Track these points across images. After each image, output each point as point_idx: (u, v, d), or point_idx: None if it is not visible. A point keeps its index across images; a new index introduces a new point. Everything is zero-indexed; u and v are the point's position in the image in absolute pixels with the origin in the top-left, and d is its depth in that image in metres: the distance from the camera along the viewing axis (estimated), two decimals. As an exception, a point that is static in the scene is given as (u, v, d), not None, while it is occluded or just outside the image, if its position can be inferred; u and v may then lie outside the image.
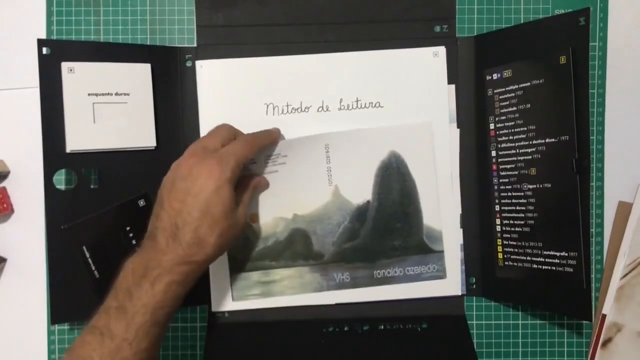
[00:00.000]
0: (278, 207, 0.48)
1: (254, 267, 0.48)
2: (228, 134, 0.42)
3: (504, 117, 0.46)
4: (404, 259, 0.48)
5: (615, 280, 0.48)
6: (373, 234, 0.48)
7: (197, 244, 0.38)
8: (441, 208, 0.48)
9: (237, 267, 0.48)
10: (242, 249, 0.48)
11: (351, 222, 0.48)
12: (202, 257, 0.38)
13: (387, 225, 0.48)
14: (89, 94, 0.44)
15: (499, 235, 0.47)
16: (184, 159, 0.40)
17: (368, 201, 0.48)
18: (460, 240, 0.49)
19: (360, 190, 0.48)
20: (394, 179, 0.48)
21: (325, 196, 0.48)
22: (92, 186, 0.45)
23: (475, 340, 0.48)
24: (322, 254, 0.48)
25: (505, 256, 0.47)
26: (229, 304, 0.48)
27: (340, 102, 0.48)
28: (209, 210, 0.38)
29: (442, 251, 0.48)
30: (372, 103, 0.48)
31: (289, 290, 0.48)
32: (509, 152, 0.46)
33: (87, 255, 0.44)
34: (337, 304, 0.48)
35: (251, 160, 0.45)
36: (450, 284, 0.48)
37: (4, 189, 0.48)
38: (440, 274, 0.48)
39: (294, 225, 0.48)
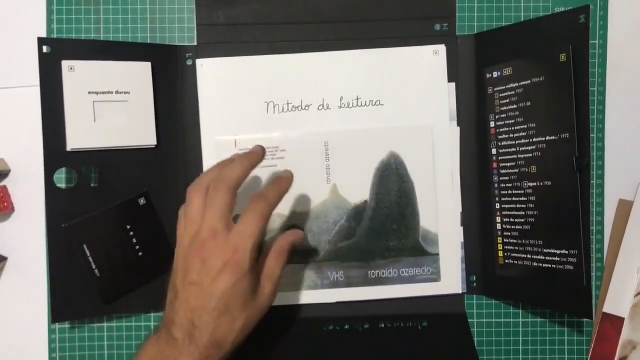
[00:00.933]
0: None
1: None
2: (231, 198, 0.36)
3: (504, 115, 0.46)
4: (399, 260, 0.48)
5: (616, 279, 0.48)
6: (369, 234, 0.48)
7: (216, 346, 0.35)
8: (440, 208, 0.48)
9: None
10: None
11: (348, 221, 0.48)
12: (222, 355, 0.36)
13: (383, 226, 0.48)
14: (89, 93, 0.44)
15: (499, 233, 0.47)
16: (193, 249, 0.36)
17: (366, 201, 0.48)
18: (461, 238, 0.49)
19: (358, 189, 0.48)
20: (393, 180, 0.48)
21: (323, 194, 0.48)
22: (92, 185, 0.45)
23: (476, 339, 0.48)
24: (317, 252, 0.48)
25: (506, 254, 0.47)
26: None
27: (341, 101, 0.48)
28: (227, 309, 0.35)
29: (438, 254, 0.48)
30: (372, 101, 0.48)
31: (282, 287, 0.48)
32: (510, 150, 0.46)
33: (88, 253, 0.45)
34: (337, 303, 0.48)
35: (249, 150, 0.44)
36: (446, 287, 0.48)
37: (5, 187, 0.48)
38: (435, 277, 0.48)
39: (290, 222, 0.48)
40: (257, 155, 0.40)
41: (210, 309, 0.35)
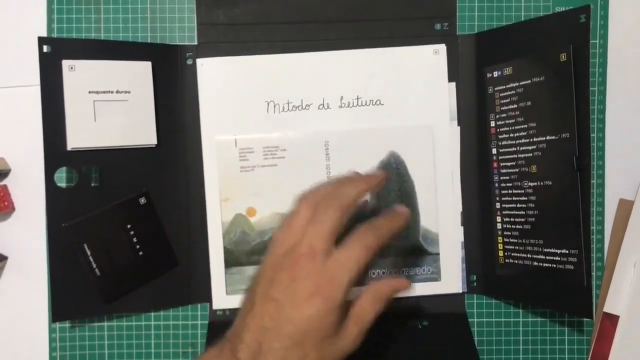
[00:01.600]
0: (276, 201, 0.48)
1: (250, 261, 0.48)
2: (340, 218, 0.33)
3: (504, 115, 0.46)
4: (399, 259, 0.48)
5: (616, 278, 0.48)
6: None
7: None
8: (440, 208, 0.48)
9: (233, 261, 0.48)
10: (239, 243, 0.48)
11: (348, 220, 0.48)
12: None
13: None
14: (89, 92, 0.44)
15: (499, 232, 0.47)
16: (285, 264, 0.32)
17: (366, 200, 0.48)
18: (461, 238, 0.49)
19: None
20: (393, 179, 0.48)
21: None
22: (93, 184, 0.45)
23: (476, 338, 0.48)
24: None
25: (506, 254, 0.47)
26: (230, 301, 0.48)
27: (341, 100, 0.48)
28: (302, 342, 0.31)
29: (438, 254, 0.48)
30: (372, 100, 0.48)
31: None
32: (510, 149, 0.46)
33: (88, 253, 0.45)
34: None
35: (249, 149, 0.44)
36: (446, 286, 0.48)
37: (5, 187, 0.48)
38: (435, 277, 0.48)
39: None
40: (377, 179, 0.36)
41: (284, 336, 0.31)
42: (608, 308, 0.48)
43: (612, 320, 0.48)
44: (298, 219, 0.33)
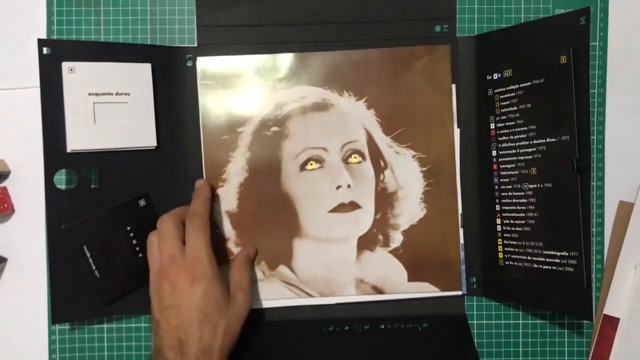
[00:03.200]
0: None
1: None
2: (176, 226, 0.42)
3: (504, 117, 0.46)
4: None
5: (616, 281, 0.48)
6: None
7: (206, 353, 0.38)
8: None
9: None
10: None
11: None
12: None
13: None
14: (89, 94, 0.44)
15: (499, 235, 0.47)
16: (161, 278, 0.40)
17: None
18: (461, 240, 0.49)
19: None
20: None
21: None
22: (92, 186, 0.45)
23: (476, 340, 0.48)
24: None
25: (506, 256, 0.47)
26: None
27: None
28: (206, 317, 0.39)
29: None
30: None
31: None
32: (510, 151, 0.46)
33: (88, 255, 0.45)
34: (337, 304, 0.48)
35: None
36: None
37: (5, 188, 0.48)
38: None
39: None
40: (203, 188, 0.45)
41: (191, 321, 0.38)
42: (608, 310, 0.48)
43: (612, 322, 0.48)
44: (151, 245, 0.42)
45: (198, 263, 0.40)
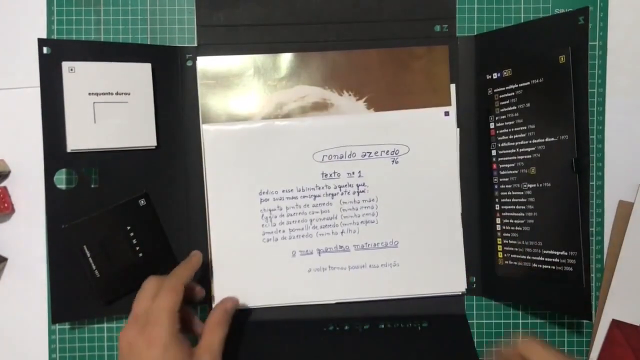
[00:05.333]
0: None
1: None
2: (154, 289, 0.40)
3: (503, 117, 0.46)
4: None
5: (619, 284, 0.48)
6: None
7: None
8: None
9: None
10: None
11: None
12: None
13: None
14: (89, 94, 0.44)
15: (498, 234, 0.47)
16: (122, 334, 0.39)
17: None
18: (461, 239, 0.49)
19: None
20: None
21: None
22: (92, 186, 0.45)
23: (475, 339, 0.49)
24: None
25: (505, 255, 0.47)
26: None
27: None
28: None
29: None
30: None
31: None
32: (509, 151, 0.46)
33: (88, 254, 0.45)
34: (337, 303, 0.48)
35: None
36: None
37: (5, 188, 0.48)
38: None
39: None
40: (194, 259, 0.44)
41: None
42: (617, 315, 0.47)
43: (620, 327, 0.47)
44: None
45: (157, 326, 0.38)
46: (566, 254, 0.43)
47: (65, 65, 0.44)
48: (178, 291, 0.40)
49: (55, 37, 0.48)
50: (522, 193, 0.45)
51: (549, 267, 0.44)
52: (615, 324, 0.47)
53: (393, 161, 0.48)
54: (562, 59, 0.43)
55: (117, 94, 0.45)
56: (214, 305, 0.47)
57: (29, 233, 0.49)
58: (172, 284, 0.40)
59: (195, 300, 0.45)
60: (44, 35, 0.48)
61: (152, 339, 0.38)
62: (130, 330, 0.39)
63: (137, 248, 0.46)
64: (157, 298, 0.39)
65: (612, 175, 0.49)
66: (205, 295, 0.46)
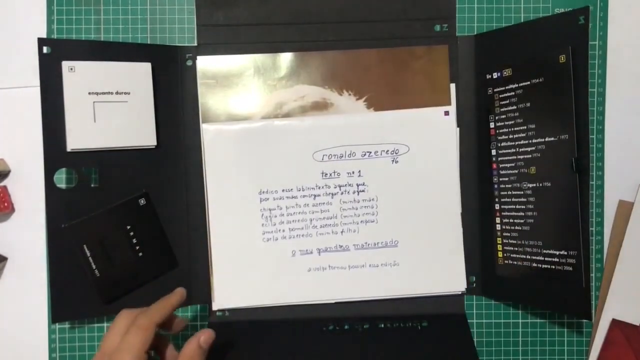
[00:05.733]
0: None
1: None
2: (124, 325, 0.38)
3: (503, 116, 0.46)
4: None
5: (619, 283, 0.48)
6: None
7: None
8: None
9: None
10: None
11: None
12: None
13: None
14: (89, 93, 0.44)
15: (498, 234, 0.47)
16: None
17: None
18: (461, 238, 0.49)
19: None
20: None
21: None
22: (92, 185, 0.45)
23: (475, 339, 0.49)
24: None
25: (505, 255, 0.47)
26: (230, 302, 0.48)
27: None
28: None
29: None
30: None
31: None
32: (509, 150, 0.46)
33: (88, 254, 0.45)
34: (337, 303, 0.48)
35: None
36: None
37: (5, 187, 0.48)
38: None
39: None
40: (175, 296, 0.41)
41: None
42: (617, 315, 0.47)
43: (621, 327, 0.47)
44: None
45: None
46: (566, 253, 0.43)
47: (65, 64, 0.44)
48: (149, 330, 0.38)
49: (55, 36, 0.48)
50: (522, 193, 0.45)
51: (549, 266, 0.44)
52: (616, 324, 0.47)
53: (393, 161, 0.48)
54: (562, 58, 0.43)
55: (117, 93, 0.45)
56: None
57: (29, 232, 0.49)
58: (143, 322, 0.38)
59: (175, 331, 0.42)
60: (44, 35, 0.48)
61: None
62: None
63: (137, 247, 0.46)
64: (125, 336, 0.37)
65: (612, 175, 0.49)
66: (186, 326, 0.44)
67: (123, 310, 0.39)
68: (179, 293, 0.42)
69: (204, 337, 0.40)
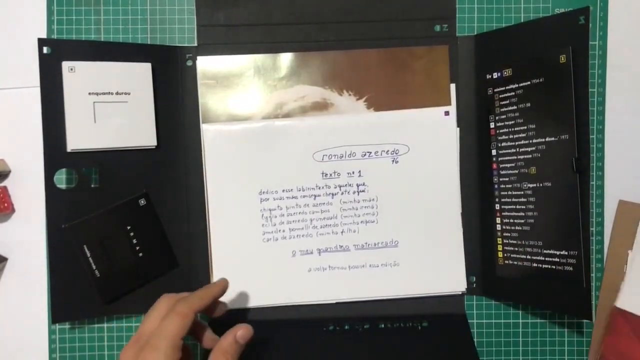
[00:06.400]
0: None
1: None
2: (164, 309, 0.38)
3: (504, 116, 0.46)
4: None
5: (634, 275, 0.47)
6: None
7: None
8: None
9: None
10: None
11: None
12: None
13: None
14: (89, 93, 0.44)
15: (499, 234, 0.47)
16: (121, 353, 0.37)
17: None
18: (461, 239, 0.49)
19: None
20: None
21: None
22: (92, 185, 0.45)
23: (475, 339, 0.49)
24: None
25: (506, 255, 0.47)
26: (230, 302, 0.48)
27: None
28: None
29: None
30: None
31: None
32: (509, 151, 0.46)
33: (88, 254, 0.45)
34: (337, 303, 0.48)
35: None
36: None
37: (5, 188, 0.48)
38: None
39: None
40: (217, 286, 0.41)
41: None
42: (623, 305, 0.47)
43: (626, 317, 0.47)
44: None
45: (154, 352, 0.35)
46: (566, 253, 0.43)
47: (65, 65, 0.44)
48: (187, 318, 0.37)
49: (55, 36, 0.48)
50: (523, 193, 0.45)
51: (549, 266, 0.44)
52: (619, 312, 0.47)
53: (393, 161, 0.48)
54: (562, 58, 0.43)
55: (117, 93, 0.45)
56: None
57: (29, 233, 0.49)
58: (182, 309, 0.37)
59: (215, 315, 0.42)
60: (44, 35, 0.48)
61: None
62: (129, 350, 0.36)
63: (137, 248, 0.46)
64: (163, 321, 0.37)
65: (612, 175, 0.49)
66: (227, 312, 0.43)
67: (164, 295, 0.39)
68: (222, 284, 0.42)
69: (241, 332, 0.39)
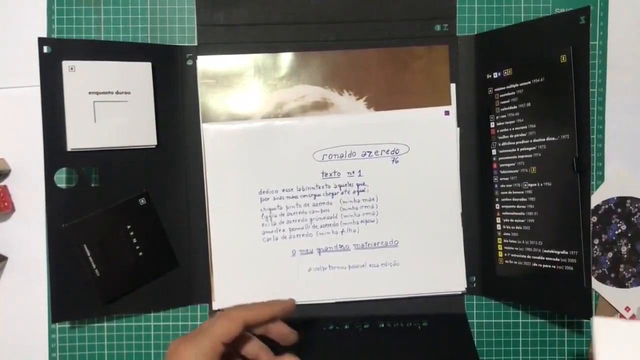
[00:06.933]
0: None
1: None
2: (225, 313, 0.38)
3: (504, 116, 0.46)
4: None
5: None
6: None
7: None
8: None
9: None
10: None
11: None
12: None
13: None
14: (89, 93, 0.44)
15: (499, 233, 0.47)
16: (170, 342, 0.38)
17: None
18: (461, 238, 0.49)
19: None
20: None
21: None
22: (92, 185, 0.45)
23: (475, 339, 0.48)
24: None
25: (506, 255, 0.47)
26: (231, 301, 0.48)
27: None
28: None
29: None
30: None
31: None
32: (510, 150, 0.46)
33: (88, 253, 0.45)
34: (337, 303, 0.48)
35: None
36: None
37: (5, 187, 0.48)
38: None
39: None
40: (278, 305, 0.41)
41: None
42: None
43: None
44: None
45: (194, 343, 0.36)
46: (567, 253, 0.43)
47: (66, 64, 0.44)
48: (234, 322, 0.37)
49: (55, 36, 0.48)
50: (523, 192, 0.45)
51: (550, 266, 0.44)
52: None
53: (393, 160, 0.48)
54: (563, 58, 0.43)
55: (117, 93, 0.45)
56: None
57: (29, 232, 0.49)
58: (232, 313, 0.38)
59: (282, 344, 0.41)
60: (44, 35, 0.48)
61: (190, 347, 0.36)
62: (178, 340, 0.37)
63: (137, 247, 0.46)
64: (213, 320, 0.37)
65: (612, 175, 0.49)
66: (296, 341, 0.42)
67: (238, 305, 0.39)
68: (286, 304, 0.41)
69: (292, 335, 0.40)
